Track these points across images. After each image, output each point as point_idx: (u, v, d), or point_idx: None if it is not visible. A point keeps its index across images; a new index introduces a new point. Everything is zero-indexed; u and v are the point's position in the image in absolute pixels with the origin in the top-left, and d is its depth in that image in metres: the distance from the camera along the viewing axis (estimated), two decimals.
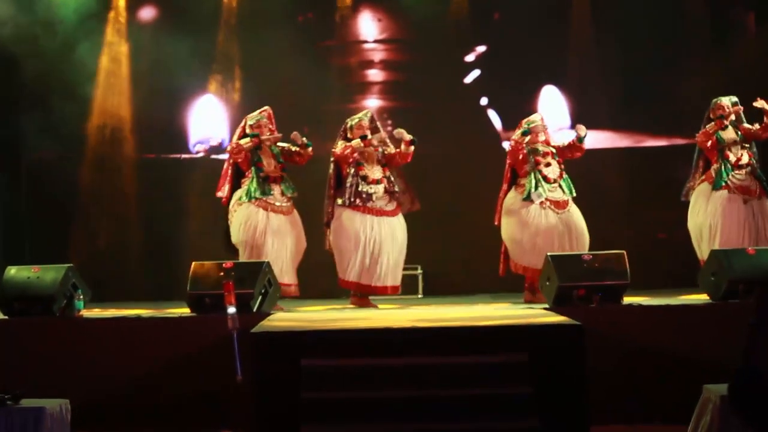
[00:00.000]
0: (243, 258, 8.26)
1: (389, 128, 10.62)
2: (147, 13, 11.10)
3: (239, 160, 8.46)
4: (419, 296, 10.25)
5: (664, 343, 6.84)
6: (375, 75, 11.11)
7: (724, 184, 8.45)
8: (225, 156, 8.95)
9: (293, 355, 5.97)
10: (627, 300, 7.40)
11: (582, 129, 8.59)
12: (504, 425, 5.64)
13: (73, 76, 10.41)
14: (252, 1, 10.92)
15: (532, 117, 8.80)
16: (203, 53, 10.81)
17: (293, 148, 8.52)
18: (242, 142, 8.42)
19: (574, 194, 8.62)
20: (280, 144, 8.58)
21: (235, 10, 10.95)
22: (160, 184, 10.89)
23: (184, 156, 11.01)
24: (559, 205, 8.52)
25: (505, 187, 8.72)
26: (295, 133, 8.48)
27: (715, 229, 8.42)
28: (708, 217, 8.49)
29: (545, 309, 7.29)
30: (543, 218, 8.46)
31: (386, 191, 8.53)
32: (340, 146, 8.49)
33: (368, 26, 11.12)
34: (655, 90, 10.44)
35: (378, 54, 11.11)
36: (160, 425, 6.83)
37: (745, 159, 8.52)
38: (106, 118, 10.95)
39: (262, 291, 7.44)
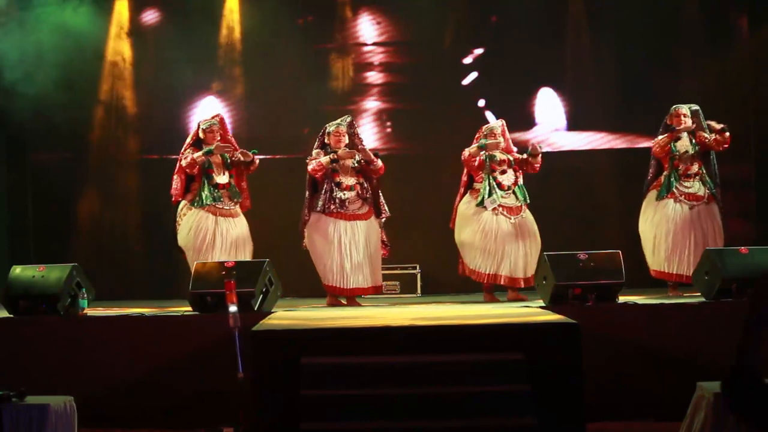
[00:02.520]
0: (190, 262, 8.34)
1: (388, 130, 10.71)
2: (150, 15, 11.16)
3: (193, 173, 8.56)
4: (418, 295, 10.31)
5: (659, 341, 6.89)
6: (374, 77, 11.13)
7: (668, 193, 8.46)
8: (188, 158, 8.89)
9: (293, 353, 6.01)
10: (622, 299, 7.45)
11: (537, 146, 8.66)
12: (502, 422, 5.66)
13: (76, 77, 10.46)
14: (253, 4, 10.96)
15: (491, 124, 8.87)
16: (205, 55, 10.87)
17: (241, 158, 8.61)
18: (196, 157, 8.47)
19: (528, 201, 8.69)
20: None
21: (236, 13, 11.00)
22: (162, 184, 10.92)
23: None
24: (512, 210, 8.61)
25: (461, 191, 8.82)
26: (243, 150, 8.57)
27: (660, 239, 8.46)
28: (654, 227, 8.52)
29: (541, 308, 7.33)
30: (495, 224, 8.55)
31: (359, 196, 8.63)
32: (313, 163, 8.54)
33: (367, 29, 11.16)
34: (649, 92, 10.45)
35: (377, 56, 11.13)
36: (163, 422, 6.89)
37: (694, 169, 8.47)
38: (109, 119, 11.00)
39: (263, 290, 7.49)
